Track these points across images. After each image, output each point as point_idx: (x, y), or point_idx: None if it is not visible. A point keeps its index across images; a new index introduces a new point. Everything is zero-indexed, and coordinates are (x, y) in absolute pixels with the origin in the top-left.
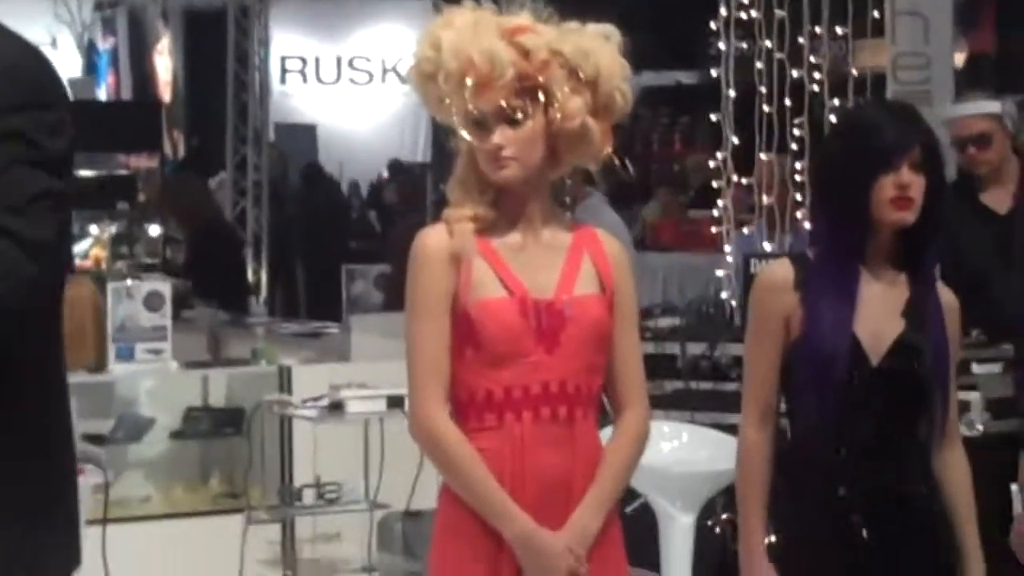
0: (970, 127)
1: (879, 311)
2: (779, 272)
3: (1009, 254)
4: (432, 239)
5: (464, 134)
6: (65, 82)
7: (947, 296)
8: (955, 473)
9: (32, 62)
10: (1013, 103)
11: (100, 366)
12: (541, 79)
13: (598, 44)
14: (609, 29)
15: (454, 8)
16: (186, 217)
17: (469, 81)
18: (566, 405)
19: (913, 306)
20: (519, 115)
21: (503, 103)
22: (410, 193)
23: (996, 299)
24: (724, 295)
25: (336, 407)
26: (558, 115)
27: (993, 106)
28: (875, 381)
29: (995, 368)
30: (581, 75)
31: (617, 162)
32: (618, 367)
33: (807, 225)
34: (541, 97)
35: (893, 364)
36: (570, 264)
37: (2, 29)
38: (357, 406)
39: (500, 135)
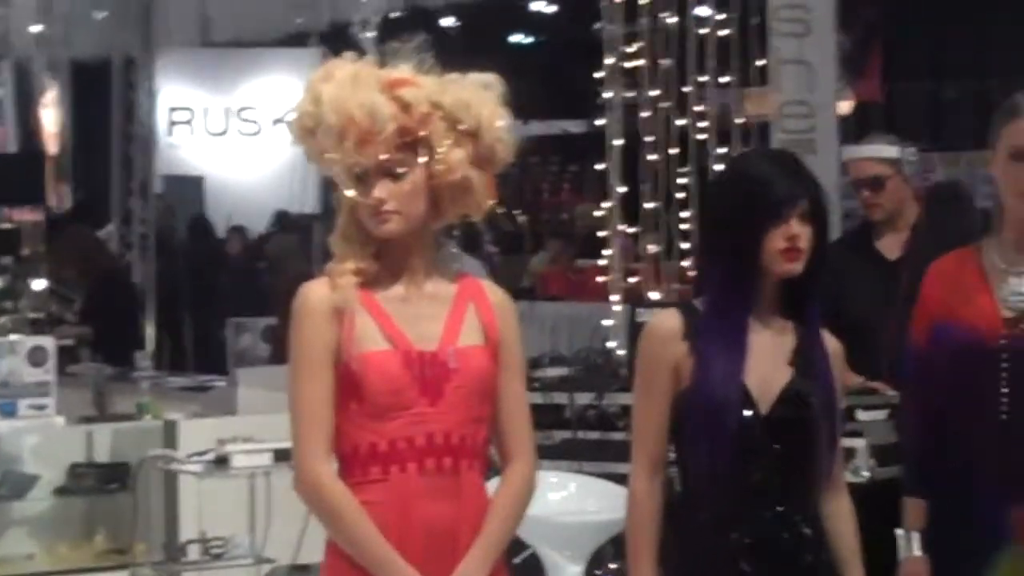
0: (865, 170)
1: (767, 359)
2: (667, 322)
3: (892, 301)
4: (314, 293)
5: (346, 188)
6: None
7: (832, 343)
8: (841, 519)
9: None
10: (915, 150)
11: None
12: (422, 132)
13: (479, 95)
14: (489, 78)
15: (335, 61)
16: (81, 268)
17: (350, 136)
18: (451, 456)
19: (800, 354)
20: (400, 169)
21: (384, 158)
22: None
23: (876, 347)
24: (611, 344)
25: (222, 461)
26: (440, 168)
27: (890, 150)
28: (765, 429)
29: (880, 415)
30: (462, 127)
31: (501, 212)
32: (504, 418)
33: (693, 274)
34: (422, 150)
35: (782, 412)
36: (454, 315)
37: None
38: (243, 460)
39: (381, 189)
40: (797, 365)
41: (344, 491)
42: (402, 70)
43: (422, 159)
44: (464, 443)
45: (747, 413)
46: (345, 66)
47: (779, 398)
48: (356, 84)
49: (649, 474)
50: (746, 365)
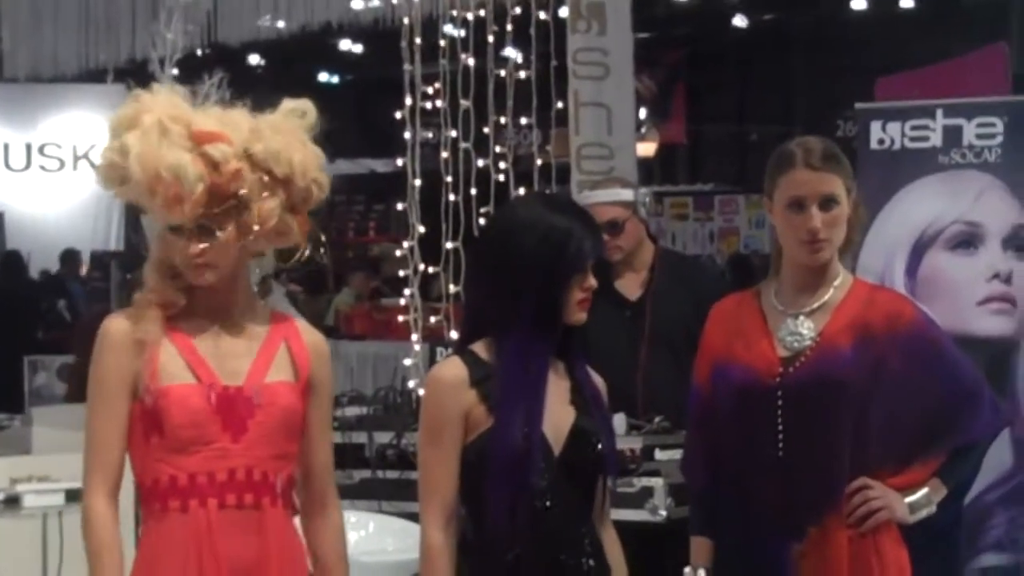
0: (602, 214)
1: (554, 402)
2: (453, 370)
3: (635, 339)
4: (116, 324)
5: (162, 232)
6: None
7: (598, 379)
8: (614, 549)
9: None
10: (648, 192)
11: None
12: (233, 188)
13: (289, 139)
14: (303, 105)
15: (143, 99)
16: None
17: (158, 194)
18: (253, 492)
19: (577, 392)
20: (212, 228)
21: (194, 217)
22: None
23: (625, 384)
24: (412, 384)
25: (13, 501)
26: (254, 219)
27: (626, 194)
28: (559, 470)
29: (678, 454)
30: (273, 176)
31: (312, 248)
32: (313, 459)
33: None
34: (236, 205)
35: (573, 452)
36: (264, 352)
37: None
38: (34, 500)
39: (195, 246)
40: (577, 404)
41: (107, 535)
42: (210, 113)
43: (235, 214)
44: (267, 479)
45: (547, 458)
46: (152, 110)
47: (568, 438)
48: (162, 137)
49: (442, 524)
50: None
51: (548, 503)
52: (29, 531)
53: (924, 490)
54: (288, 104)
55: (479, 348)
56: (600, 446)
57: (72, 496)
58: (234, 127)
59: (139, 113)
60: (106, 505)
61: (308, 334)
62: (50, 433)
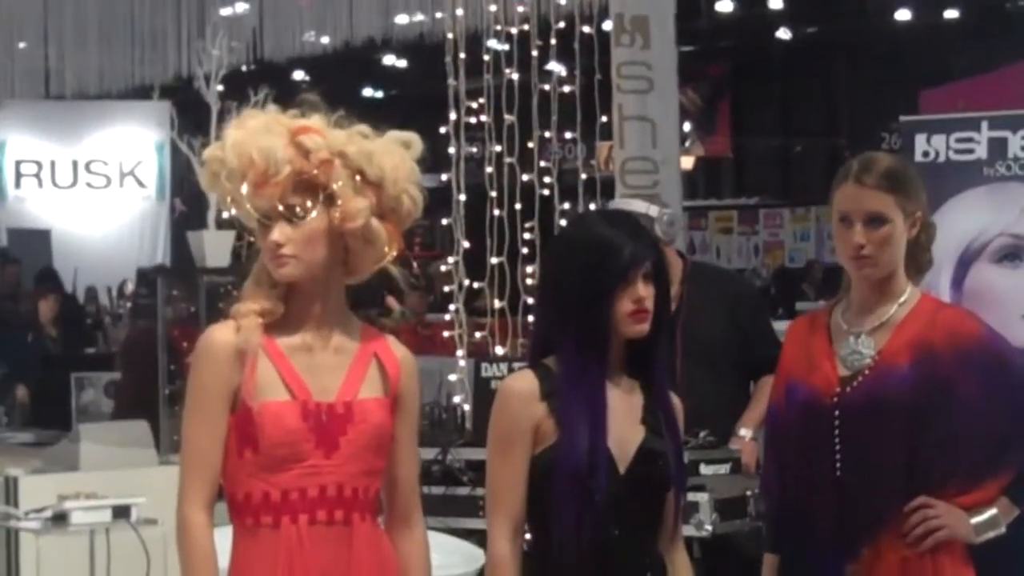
0: None
1: (621, 419)
2: (524, 383)
3: (670, 355)
4: (217, 335)
5: (251, 230)
6: None
7: (675, 400)
8: (683, 572)
9: None
10: (671, 211)
11: None
12: (321, 178)
13: (386, 147)
14: (409, 136)
15: (253, 110)
16: None
17: (248, 178)
18: (343, 509)
19: (649, 412)
20: (298, 212)
21: (280, 200)
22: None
23: None
24: (457, 399)
25: (61, 518)
26: (340, 215)
27: (643, 207)
28: (623, 488)
29: (723, 469)
30: (366, 177)
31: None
32: (399, 474)
33: (535, 333)
34: (324, 197)
35: (639, 470)
36: (356, 368)
37: None
38: (82, 517)
39: (279, 233)
40: (648, 423)
41: (204, 546)
42: (312, 120)
43: (322, 206)
44: (357, 495)
45: (611, 474)
46: (260, 115)
47: (636, 457)
48: (262, 130)
49: (509, 536)
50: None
51: (612, 520)
52: (77, 548)
53: (992, 510)
54: (394, 133)
55: (552, 362)
56: (667, 466)
57: (119, 513)
58: (333, 130)
59: (247, 117)
60: (202, 516)
61: (398, 350)
62: (97, 450)
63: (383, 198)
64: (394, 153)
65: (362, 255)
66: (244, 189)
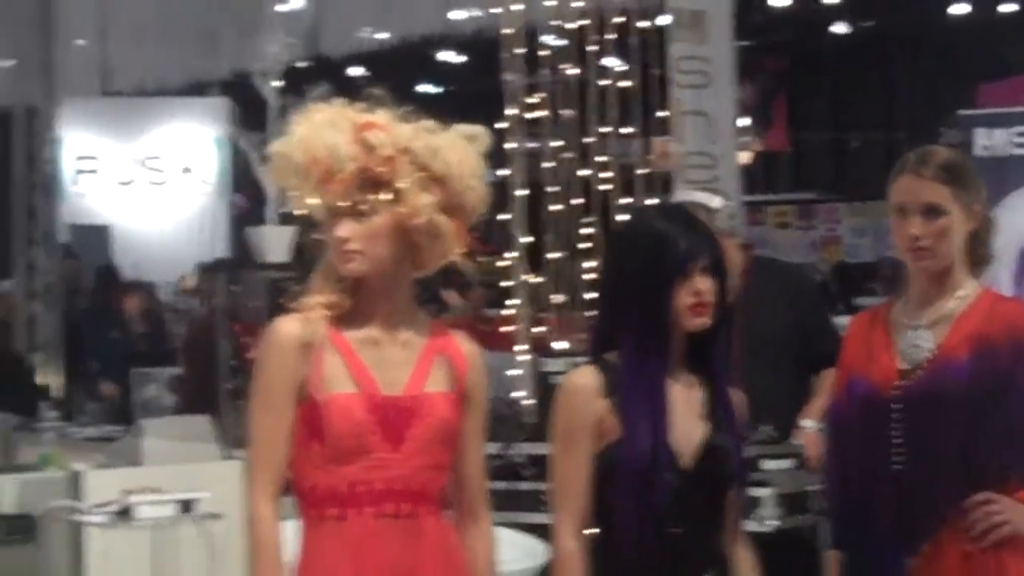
0: None
1: (683, 414)
2: (586, 379)
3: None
4: (284, 327)
5: (317, 226)
6: None
7: (736, 395)
8: (745, 568)
9: None
10: (732, 203)
11: None
12: (385, 174)
13: (451, 142)
14: (474, 130)
15: (320, 104)
16: None
17: (313, 174)
18: (410, 502)
19: (711, 407)
20: (364, 209)
21: (346, 196)
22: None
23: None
24: (516, 394)
25: (125, 512)
26: (405, 211)
27: (706, 199)
28: (685, 484)
29: (787, 464)
30: (431, 172)
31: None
32: (464, 469)
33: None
34: (387, 192)
35: (703, 466)
36: (423, 362)
37: None
38: (147, 511)
39: (344, 228)
40: (711, 419)
41: (271, 538)
42: (378, 115)
43: (388, 202)
44: (423, 489)
45: (674, 470)
46: (327, 110)
47: (699, 453)
48: (327, 126)
49: (575, 532)
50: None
51: (675, 516)
52: (141, 543)
53: None
54: (459, 128)
55: (613, 357)
56: (730, 462)
57: (184, 507)
58: (398, 125)
59: (314, 111)
60: (269, 508)
61: (466, 345)
62: (160, 445)
63: (448, 193)
64: (459, 148)
65: (428, 250)
66: (311, 184)
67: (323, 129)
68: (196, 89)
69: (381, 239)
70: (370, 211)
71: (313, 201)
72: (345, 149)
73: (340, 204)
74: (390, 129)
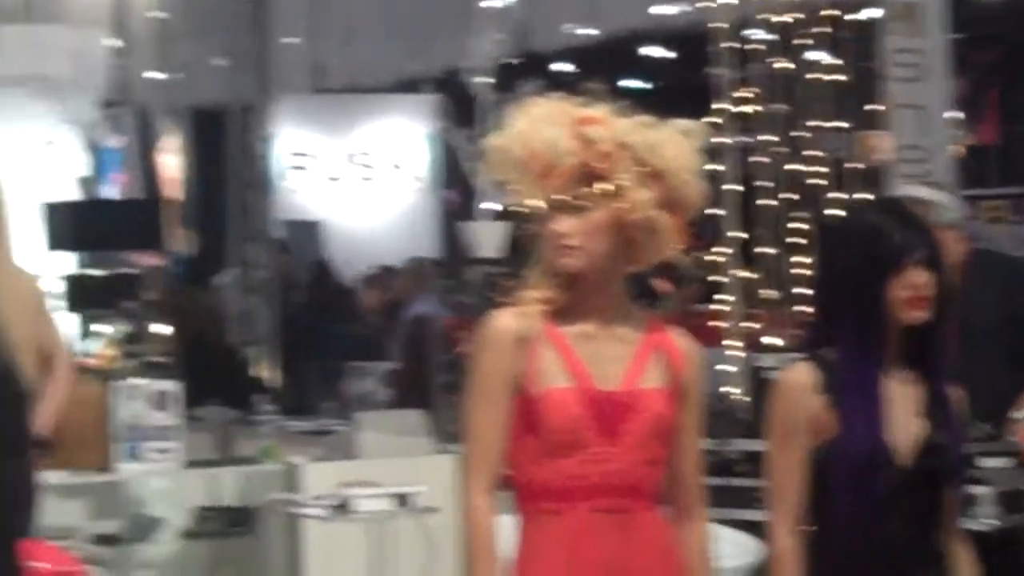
0: None
1: (900, 411)
2: (802, 376)
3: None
4: (500, 321)
5: (533, 220)
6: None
7: (955, 392)
8: (965, 567)
9: None
10: (955, 195)
11: (105, 466)
12: (604, 169)
13: (669, 137)
14: (691, 125)
15: (537, 98)
16: (175, 324)
17: (532, 169)
18: (625, 497)
19: (929, 404)
20: (582, 204)
21: (564, 192)
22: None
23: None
24: (726, 389)
25: (343, 506)
26: (623, 207)
27: (925, 193)
28: (903, 482)
29: (1007, 462)
30: (649, 168)
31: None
32: (682, 465)
33: (811, 324)
34: (606, 188)
35: (922, 465)
36: (639, 357)
37: None
38: (364, 504)
39: (562, 224)
40: (930, 416)
41: (487, 530)
42: (597, 109)
43: (606, 198)
44: (639, 484)
45: (891, 468)
46: (544, 104)
47: (917, 450)
48: (546, 120)
49: (790, 529)
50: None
51: (892, 514)
52: (357, 535)
53: None
54: (678, 122)
55: (829, 353)
56: (949, 459)
57: (401, 501)
58: (617, 120)
59: (531, 105)
60: (486, 501)
61: (682, 341)
62: (376, 438)
63: (666, 189)
64: (677, 143)
65: (645, 246)
66: (529, 180)
67: (542, 123)
68: (406, 86)
69: (598, 234)
70: (588, 206)
71: (531, 196)
72: (564, 144)
73: (558, 199)
74: (609, 124)
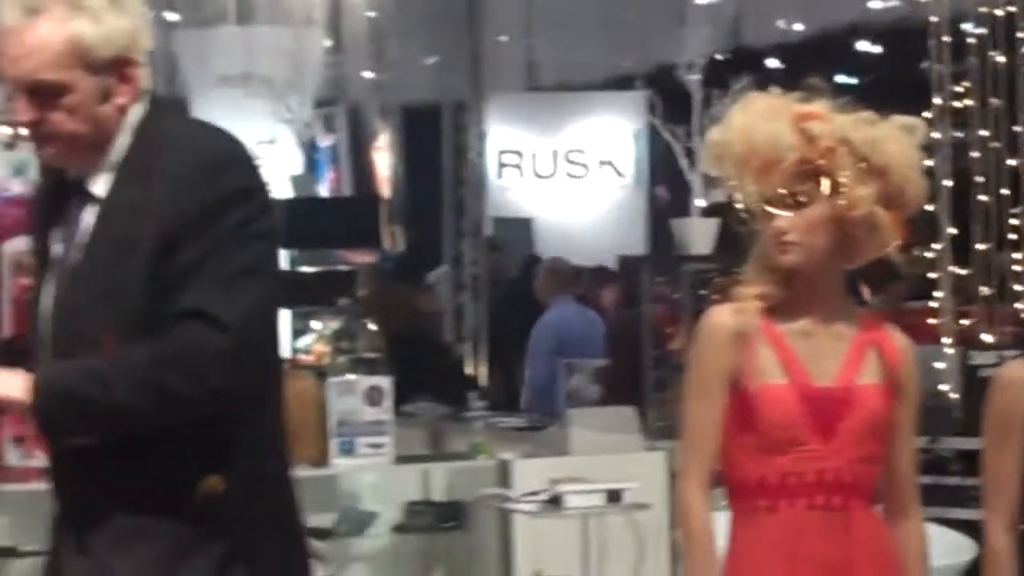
0: None
1: None
2: (1019, 373)
3: None
4: (718, 317)
5: (752, 216)
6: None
7: None
8: None
9: (232, 152)
10: None
11: (322, 460)
12: (825, 165)
13: (890, 133)
14: (912, 122)
15: (756, 93)
16: (382, 321)
17: (752, 164)
18: (841, 495)
19: None
20: (802, 200)
21: (785, 187)
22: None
23: None
24: (942, 387)
25: (555, 501)
26: (843, 203)
27: None
28: None
29: None
30: (870, 164)
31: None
32: (897, 463)
33: None
34: (826, 184)
35: None
36: (854, 354)
37: (200, 123)
38: (576, 500)
39: (782, 219)
40: None
41: (703, 526)
42: (817, 105)
43: (825, 194)
44: (855, 482)
45: None
46: (763, 99)
47: None
48: (766, 115)
49: (1006, 528)
50: None
51: None
52: (569, 531)
53: None
54: (899, 119)
55: None
56: None
57: (612, 497)
58: (837, 115)
59: (751, 101)
60: (700, 496)
61: (898, 338)
62: (587, 435)
63: (887, 186)
64: (898, 139)
65: (864, 243)
66: (749, 174)
67: (763, 119)
68: (617, 83)
69: (818, 230)
70: (808, 202)
71: (750, 191)
72: (786, 139)
73: (779, 194)
74: (829, 120)
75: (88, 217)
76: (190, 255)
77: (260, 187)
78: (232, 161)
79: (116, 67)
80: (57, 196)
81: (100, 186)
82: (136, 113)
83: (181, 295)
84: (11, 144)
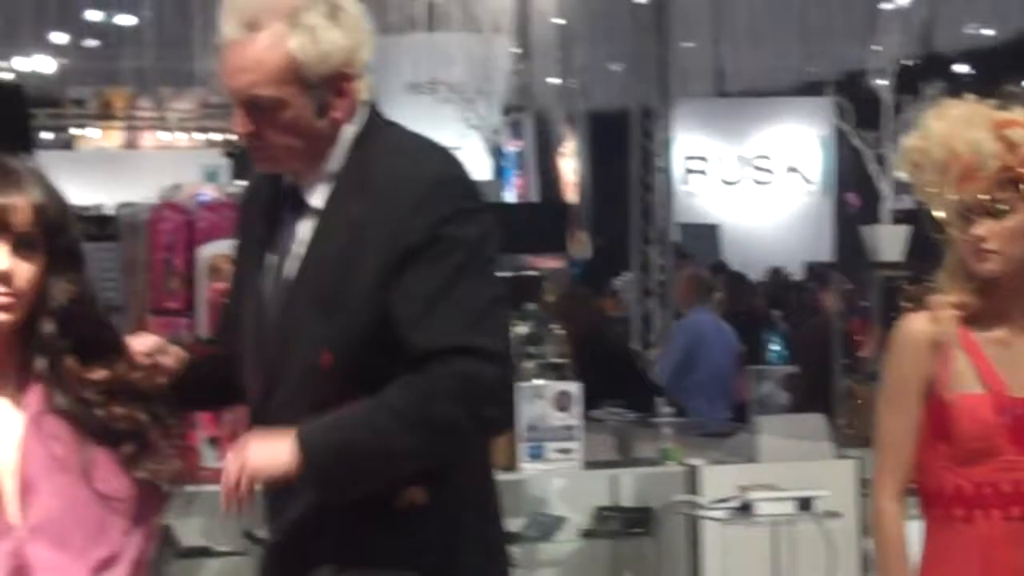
0: None
1: None
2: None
3: None
4: (913, 325)
5: (949, 224)
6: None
7: None
8: None
9: (455, 170)
10: None
11: (511, 465)
12: None
13: None
14: None
15: (952, 100)
16: (566, 327)
17: (952, 171)
18: None
19: None
20: (1002, 208)
21: (985, 195)
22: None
23: None
24: None
25: (745, 509)
26: None
27: None
28: None
29: None
30: None
31: None
32: None
33: None
34: None
35: None
36: None
37: (418, 137)
38: (766, 508)
39: (982, 227)
40: None
41: (896, 531)
42: (1017, 112)
43: None
44: None
45: None
46: (960, 105)
47: None
48: (966, 122)
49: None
50: None
51: None
52: (759, 539)
53: None
54: None
55: None
56: None
57: (803, 505)
58: None
59: (948, 107)
60: (894, 506)
61: None
62: (775, 442)
63: None
64: None
65: None
66: (949, 182)
67: (962, 125)
68: (806, 89)
69: (1018, 239)
70: (1008, 210)
71: (949, 198)
72: (988, 146)
73: (979, 202)
74: None
75: (304, 229)
76: (428, 281)
77: (484, 205)
78: (457, 179)
79: (333, 82)
80: (270, 204)
81: (317, 198)
82: (354, 126)
83: (428, 324)
84: (232, 153)
